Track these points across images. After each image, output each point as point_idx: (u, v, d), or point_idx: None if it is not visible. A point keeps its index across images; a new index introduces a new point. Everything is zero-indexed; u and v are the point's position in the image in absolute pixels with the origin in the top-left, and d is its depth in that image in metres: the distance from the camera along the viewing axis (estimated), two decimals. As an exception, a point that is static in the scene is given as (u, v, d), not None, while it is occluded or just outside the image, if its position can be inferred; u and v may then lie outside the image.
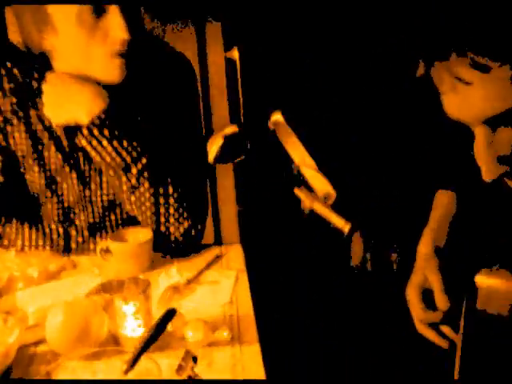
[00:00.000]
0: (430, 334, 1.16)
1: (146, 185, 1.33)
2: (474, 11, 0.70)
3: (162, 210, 1.34)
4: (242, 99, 1.35)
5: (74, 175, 1.42)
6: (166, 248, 1.38)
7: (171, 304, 1.18)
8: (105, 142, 1.30)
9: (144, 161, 1.33)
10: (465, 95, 0.73)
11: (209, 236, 1.47)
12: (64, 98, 1.31)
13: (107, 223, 1.46)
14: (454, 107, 0.76)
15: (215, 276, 1.27)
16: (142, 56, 1.36)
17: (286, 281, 1.29)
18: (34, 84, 1.37)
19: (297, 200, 1.38)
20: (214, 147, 1.25)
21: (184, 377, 0.89)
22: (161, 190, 1.34)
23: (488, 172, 0.77)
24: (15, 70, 1.38)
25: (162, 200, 1.34)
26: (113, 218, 1.46)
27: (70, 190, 1.43)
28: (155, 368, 0.90)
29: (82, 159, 1.41)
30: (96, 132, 1.30)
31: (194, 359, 0.91)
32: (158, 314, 1.12)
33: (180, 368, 0.89)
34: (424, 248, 1.24)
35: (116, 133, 1.31)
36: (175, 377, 0.95)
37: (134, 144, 1.32)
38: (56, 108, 1.32)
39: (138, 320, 1.02)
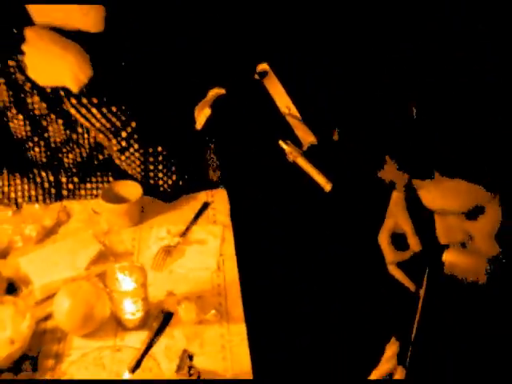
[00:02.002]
0: (399, 275, 1.30)
1: (136, 146, 1.35)
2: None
3: (152, 167, 1.38)
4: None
5: (61, 121, 1.42)
6: (156, 195, 1.44)
7: (164, 267, 1.29)
8: (94, 110, 1.30)
9: (133, 124, 1.33)
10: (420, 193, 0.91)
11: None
12: (48, 62, 1.27)
13: (95, 163, 1.49)
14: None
15: (202, 233, 1.36)
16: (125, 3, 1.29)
17: (268, 235, 1.39)
18: (12, 35, 1.30)
19: (281, 152, 1.42)
20: (201, 117, 1.25)
21: (184, 374, 1.03)
22: (150, 150, 1.36)
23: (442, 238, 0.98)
24: None
25: (151, 159, 1.37)
26: (101, 157, 1.49)
27: (56, 132, 1.44)
28: (155, 366, 1.03)
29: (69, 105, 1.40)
30: (85, 100, 1.28)
31: (190, 357, 1.04)
32: (152, 276, 1.24)
33: (179, 369, 1.03)
34: (397, 192, 1.35)
35: (105, 99, 1.30)
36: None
37: (123, 108, 1.32)
38: (40, 72, 1.29)
39: (137, 305, 1.14)
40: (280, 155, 1.42)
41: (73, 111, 1.30)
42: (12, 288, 1.23)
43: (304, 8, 1.35)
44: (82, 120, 1.31)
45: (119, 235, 1.36)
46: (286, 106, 1.44)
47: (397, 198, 1.36)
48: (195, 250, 1.33)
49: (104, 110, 1.30)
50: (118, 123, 1.33)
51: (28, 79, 1.36)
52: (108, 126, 1.32)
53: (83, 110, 1.29)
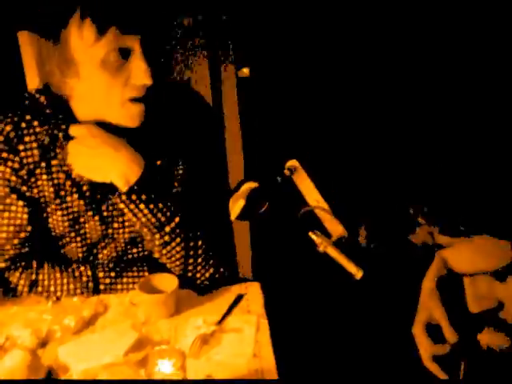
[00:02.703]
0: (434, 368, 1.29)
1: (178, 240, 1.42)
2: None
3: (191, 261, 1.43)
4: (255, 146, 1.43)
5: (97, 217, 1.49)
6: (192, 287, 1.47)
7: (201, 354, 1.30)
8: (142, 205, 1.38)
9: (177, 220, 1.41)
10: (447, 255, 0.94)
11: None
12: (98, 161, 1.36)
13: (129, 257, 1.54)
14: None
15: (237, 322, 1.37)
16: (161, 99, 1.40)
17: (302, 323, 1.40)
18: (55, 135, 1.42)
19: (311, 243, 1.47)
20: (236, 208, 1.32)
21: None
22: (191, 244, 1.43)
23: (472, 307, 0.97)
24: (35, 123, 1.43)
25: (191, 252, 1.43)
26: (134, 251, 1.55)
27: (93, 229, 1.51)
28: None
29: (104, 204, 1.48)
30: (134, 197, 1.37)
31: None
32: (189, 363, 1.25)
33: None
34: (428, 283, 1.36)
35: (152, 196, 1.38)
36: None
37: (169, 204, 1.40)
38: (89, 170, 1.38)
39: (176, 388, 1.14)
40: (310, 246, 1.47)
41: (121, 206, 1.38)
42: (50, 376, 1.24)
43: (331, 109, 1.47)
44: (129, 215, 1.39)
45: (156, 326, 1.37)
46: (315, 199, 1.51)
47: (428, 288, 1.37)
48: (231, 338, 1.33)
49: (151, 205, 1.38)
50: (163, 218, 1.39)
51: (69, 177, 1.45)
52: (153, 220, 1.39)
53: (132, 206, 1.37)
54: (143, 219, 1.39)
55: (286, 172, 1.50)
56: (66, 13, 1.27)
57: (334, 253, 1.47)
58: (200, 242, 1.43)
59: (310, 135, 1.46)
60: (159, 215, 1.39)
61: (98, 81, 1.32)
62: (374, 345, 1.34)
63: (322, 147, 1.47)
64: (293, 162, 1.51)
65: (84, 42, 1.28)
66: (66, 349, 1.28)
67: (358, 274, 1.42)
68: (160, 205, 1.39)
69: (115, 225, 1.51)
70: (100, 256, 1.53)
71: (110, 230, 1.51)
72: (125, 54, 1.31)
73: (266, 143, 1.49)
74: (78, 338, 1.32)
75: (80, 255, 1.53)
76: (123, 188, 1.36)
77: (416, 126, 1.37)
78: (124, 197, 1.37)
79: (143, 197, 1.37)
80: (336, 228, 1.50)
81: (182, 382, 1.09)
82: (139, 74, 1.31)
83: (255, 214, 1.36)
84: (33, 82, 1.54)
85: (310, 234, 1.48)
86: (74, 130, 1.38)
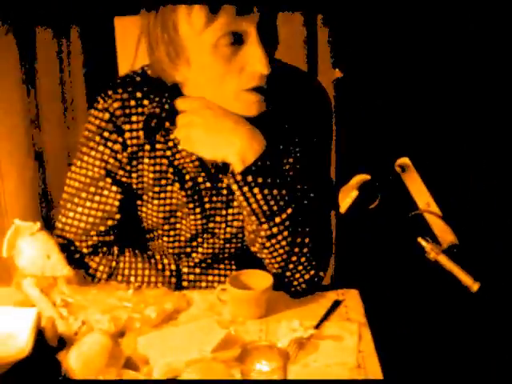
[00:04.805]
0: None
1: (286, 233, 1.27)
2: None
3: (294, 258, 1.29)
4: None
5: (198, 210, 1.37)
6: (285, 289, 1.33)
7: (297, 359, 1.15)
8: (256, 190, 1.24)
9: (289, 211, 1.26)
10: None
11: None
12: (212, 135, 1.23)
13: (225, 256, 1.41)
14: None
15: (336, 330, 1.22)
16: (279, 86, 1.25)
17: (410, 335, 1.24)
18: (165, 117, 1.31)
19: (420, 249, 1.31)
20: (348, 199, 1.19)
21: None
22: (298, 240, 1.28)
23: None
24: (145, 101, 1.31)
25: (296, 249, 1.28)
26: (232, 250, 1.42)
27: (192, 224, 1.38)
28: None
29: (209, 194, 1.36)
30: (250, 178, 1.23)
31: None
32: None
33: None
34: None
35: (269, 180, 1.24)
36: None
37: (283, 193, 1.26)
38: (201, 145, 1.24)
39: (274, 390, 0.99)
40: (417, 253, 1.32)
41: (234, 187, 1.24)
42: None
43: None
44: (240, 198, 1.25)
45: (244, 326, 1.23)
46: (426, 202, 1.36)
47: None
48: (330, 346, 1.18)
49: (266, 191, 1.23)
50: (275, 207, 1.24)
51: (171, 165, 1.34)
52: (265, 208, 1.24)
53: (245, 188, 1.23)
54: (254, 205, 1.24)
55: (397, 169, 1.36)
56: None
57: (446, 261, 1.31)
58: (307, 240, 1.28)
59: (424, 131, 1.32)
60: (272, 203, 1.24)
61: (210, 68, 1.20)
62: (487, 359, 1.16)
63: (437, 145, 1.33)
64: (404, 160, 1.36)
65: (193, 28, 1.16)
66: (146, 340, 1.16)
67: (474, 286, 1.26)
68: (275, 191, 1.24)
69: (217, 218, 1.38)
70: (194, 255, 1.41)
71: (210, 224, 1.38)
72: (238, 38, 1.17)
73: (370, 139, 1.36)
74: (160, 331, 1.20)
75: (170, 251, 1.41)
76: (239, 167, 1.22)
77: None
78: (239, 177, 1.22)
79: (259, 180, 1.23)
80: (447, 235, 1.33)
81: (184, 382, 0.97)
82: (255, 61, 1.16)
83: (366, 208, 1.22)
84: (125, 68, 1.45)
85: (420, 239, 1.34)
86: (184, 103, 1.26)
